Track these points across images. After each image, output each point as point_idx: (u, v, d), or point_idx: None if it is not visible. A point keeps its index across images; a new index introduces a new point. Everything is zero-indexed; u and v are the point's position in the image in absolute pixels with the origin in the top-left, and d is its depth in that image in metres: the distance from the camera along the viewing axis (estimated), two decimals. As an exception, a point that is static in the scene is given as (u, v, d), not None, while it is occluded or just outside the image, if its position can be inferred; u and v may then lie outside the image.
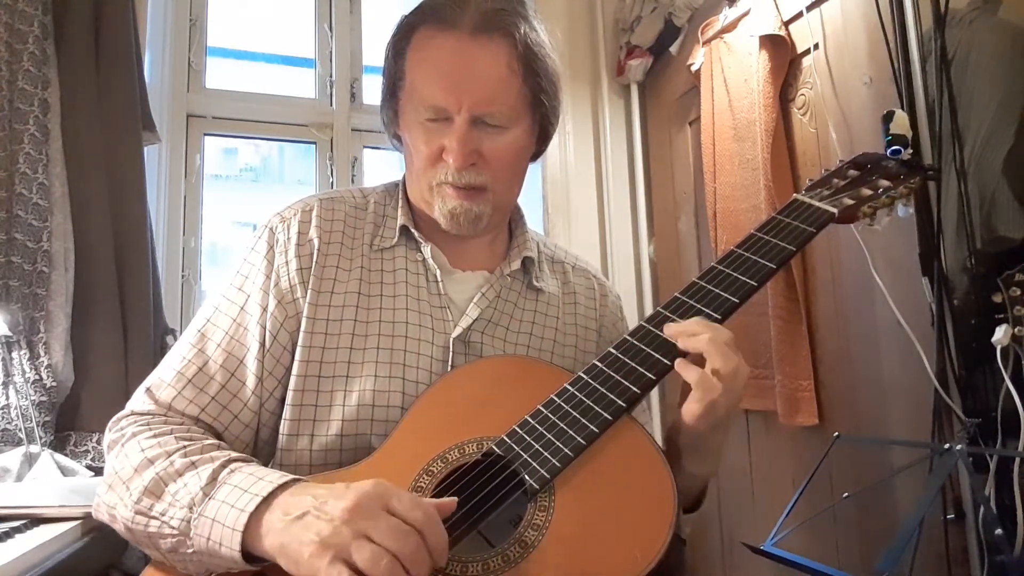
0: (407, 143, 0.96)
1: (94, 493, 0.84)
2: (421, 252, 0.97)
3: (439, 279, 0.95)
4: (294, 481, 0.73)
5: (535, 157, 1.02)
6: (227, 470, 0.75)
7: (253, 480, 0.73)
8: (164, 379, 0.88)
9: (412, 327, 0.92)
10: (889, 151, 1.01)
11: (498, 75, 0.89)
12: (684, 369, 0.78)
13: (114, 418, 0.87)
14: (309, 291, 0.90)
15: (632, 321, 1.14)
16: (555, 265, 1.07)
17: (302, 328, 0.89)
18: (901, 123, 1.07)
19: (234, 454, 0.80)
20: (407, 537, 0.64)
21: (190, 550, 0.73)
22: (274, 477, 0.73)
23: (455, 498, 0.72)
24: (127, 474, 0.79)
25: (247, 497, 0.71)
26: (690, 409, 0.77)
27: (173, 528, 0.74)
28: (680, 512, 0.73)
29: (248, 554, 0.70)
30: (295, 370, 0.88)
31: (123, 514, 0.78)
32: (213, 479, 0.74)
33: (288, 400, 0.88)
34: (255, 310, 0.90)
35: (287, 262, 0.92)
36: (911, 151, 0.99)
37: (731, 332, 0.79)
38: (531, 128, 0.96)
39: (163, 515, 0.75)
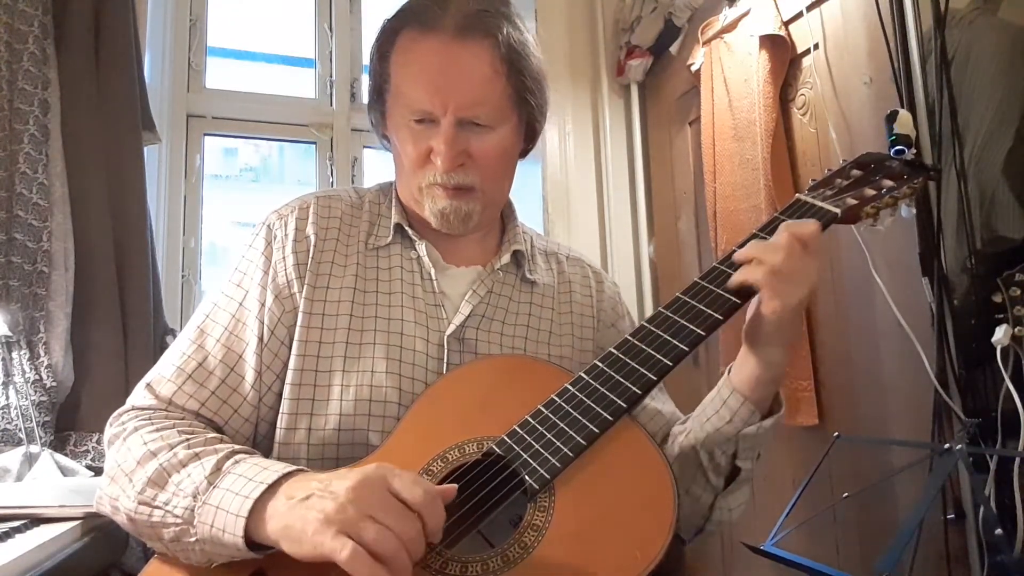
0: (395, 144, 0.97)
1: (94, 493, 0.84)
2: (415, 250, 0.97)
3: (433, 277, 0.96)
4: (298, 471, 0.74)
5: (524, 154, 1.03)
6: (232, 460, 0.76)
7: (258, 469, 0.73)
8: (164, 375, 0.89)
9: (408, 324, 0.92)
10: (893, 151, 1.01)
11: (482, 76, 0.90)
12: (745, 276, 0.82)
13: (115, 413, 0.87)
14: (305, 286, 0.91)
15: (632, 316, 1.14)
16: (549, 257, 1.08)
17: (298, 322, 0.90)
18: (905, 123, 1.07)
19: (238, 446, 0.81)
20: (409, 519, 0.65)
21: (193, 539, 0.73)
22: (279, 467, 0.74)
23: (455, 485, 0.72)
24: (130, 466, 0.79)
25: (252, 485, 0.71)
26: (764, 307, 0.80)
27: (177, 517, 0.74)
28: (678, 495, 0.72)
29: (251, 542, 0.70)
30: (292, 364, 0.89)
31: (126, 505, 0.78)
32: (218, 469, 0.75)
33: (285, 394, 0.89)
34: (253, 305, 0.91)
35: (284, 257, 0.93)
36: (915, 151, 0.98)
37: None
38: (518, 127, 0.97)
39: (167, 504, 0.75)
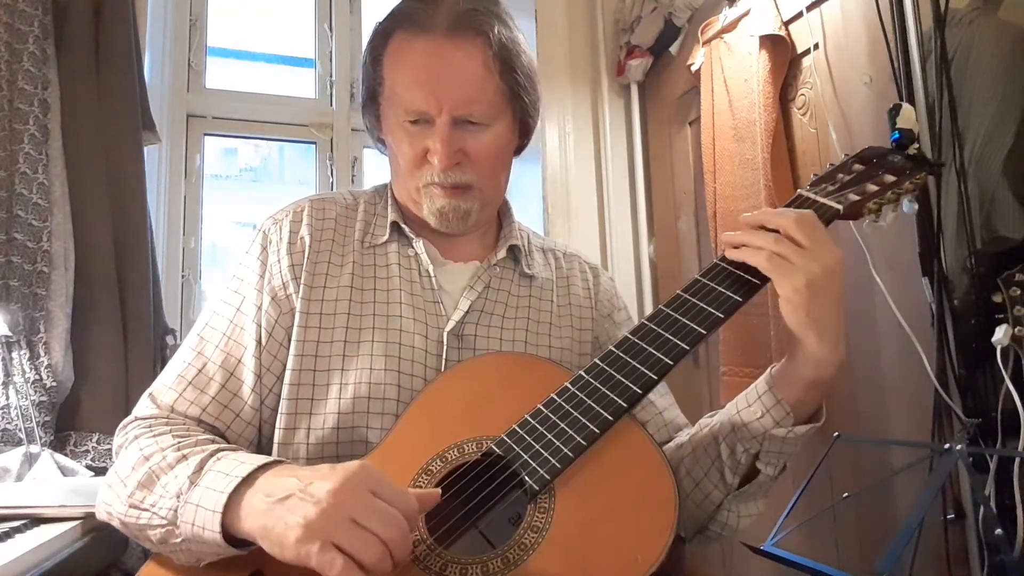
0: (391, 146, 0.97)
1: (94, 493, 0.84)
2: (413, 247, 0.98)
3: (431, 273, 0.96)
4: (276, 463, 0.73)
5: (519, 151, 1.04)
6: (214, 458, 0.76)
7: (235, 464, 0.73)
8: (166, 383, 0.90)
9: (407, 320, 0.92)
10: (895, 145, 1.00)
11: (475, 74, 0.90)
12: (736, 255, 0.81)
13: (121, 424, 0.88)
14: (302, 286, 0.92)
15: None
16: (547, 254, 1.09)
17: (296, 322, 0.90)
18: (908, 117, 1.05)
19: (225, 444, 0.81)
20: (393, 521, 0.65)
21: (178, 539, 0.73)
22: (255, 459, 0.73)
23: (438, 490, 0.72)
24: (125, 472, 0.80)
25: (227, 480, 0.71)
26: (780, 296, 0.79)
27: (162, 518, 0.74)
28: (679, 496, 0.71)
29: (232, 538, 0.70)
30: (290, 364, 0.89)
31: (118, 510, 0.79)
32: (200, 468, 0.75)
33: (284, 394, 0.89)
34: (251, 309, 0.91)
35: (279, 260, 0.93)
36: (917, 145, 0.98)
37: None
38: (512, 124, 0.97)
39: (153, 506, 0.75)
